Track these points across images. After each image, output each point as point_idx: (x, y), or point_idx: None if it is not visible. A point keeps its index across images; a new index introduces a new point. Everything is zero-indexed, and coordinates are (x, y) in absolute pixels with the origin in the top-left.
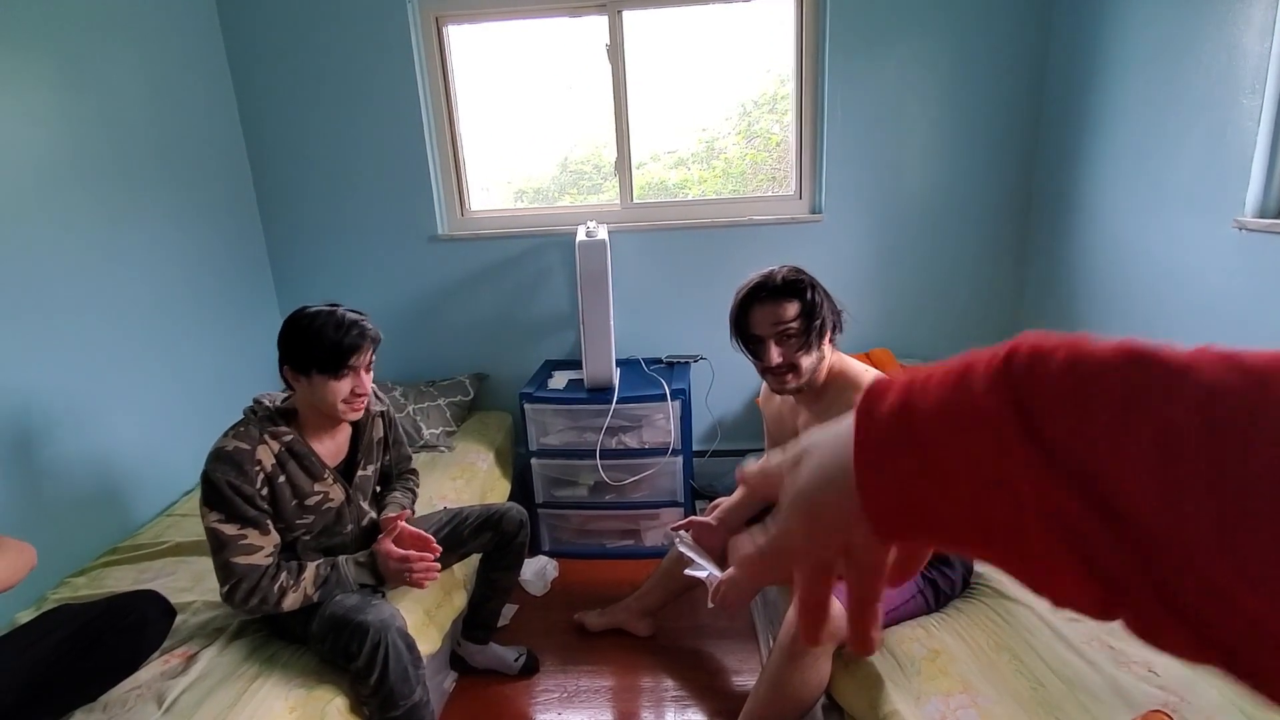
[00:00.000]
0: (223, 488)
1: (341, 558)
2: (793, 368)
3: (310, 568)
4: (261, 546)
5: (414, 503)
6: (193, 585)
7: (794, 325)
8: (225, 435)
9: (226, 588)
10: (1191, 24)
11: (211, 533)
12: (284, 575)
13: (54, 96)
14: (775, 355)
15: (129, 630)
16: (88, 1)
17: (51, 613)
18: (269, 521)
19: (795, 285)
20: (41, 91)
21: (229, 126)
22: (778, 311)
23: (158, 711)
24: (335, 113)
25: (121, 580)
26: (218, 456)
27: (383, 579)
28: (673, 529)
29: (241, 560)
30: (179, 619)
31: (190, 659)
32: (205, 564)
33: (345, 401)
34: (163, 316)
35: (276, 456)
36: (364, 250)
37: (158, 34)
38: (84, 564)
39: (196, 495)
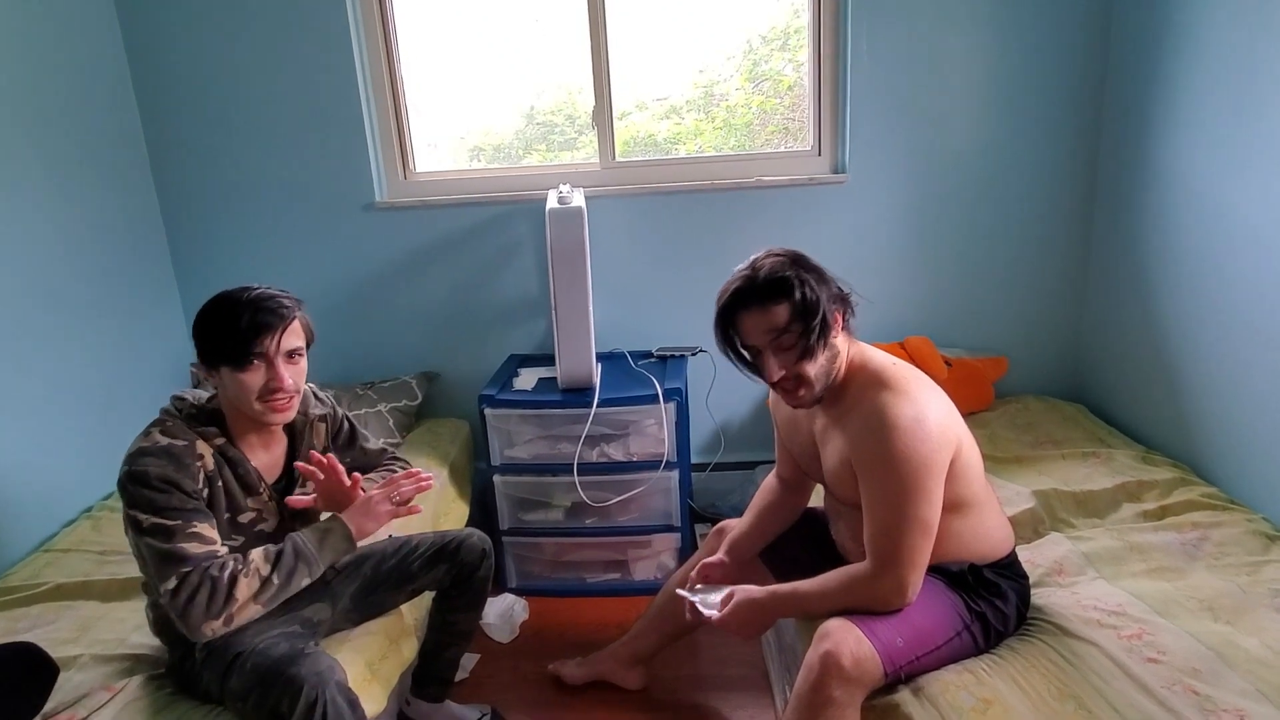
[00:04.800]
0: (156, 481)
1: (292, 533)
2: (800, 379)
3: (256, 550)
4: (213, 539)
5: None
6: (78, 635)
7: (789, 332)
8: (147, 433)
9: (175, 582)
10: None
11: (149, 529)
12: (232, 562)
13: None
14: (775, 369)
15: (1, 692)
16: None
17: None
18: (212, 521)
19: (781, 283)
20: None
21: (114, 76)
22: (767, 318)
23: None
24: (247, 54)
25: None
26: (146, 452)
27: (354, 543)
28: (679, 592)
29: (193, 548)
30: (62, 676)
31: None
32: (93, 610)
33: (261, 400)
34: (31, 309)
35: (214, 457)
36: (285, 223)
37: None
38: None
39: (82, 526)
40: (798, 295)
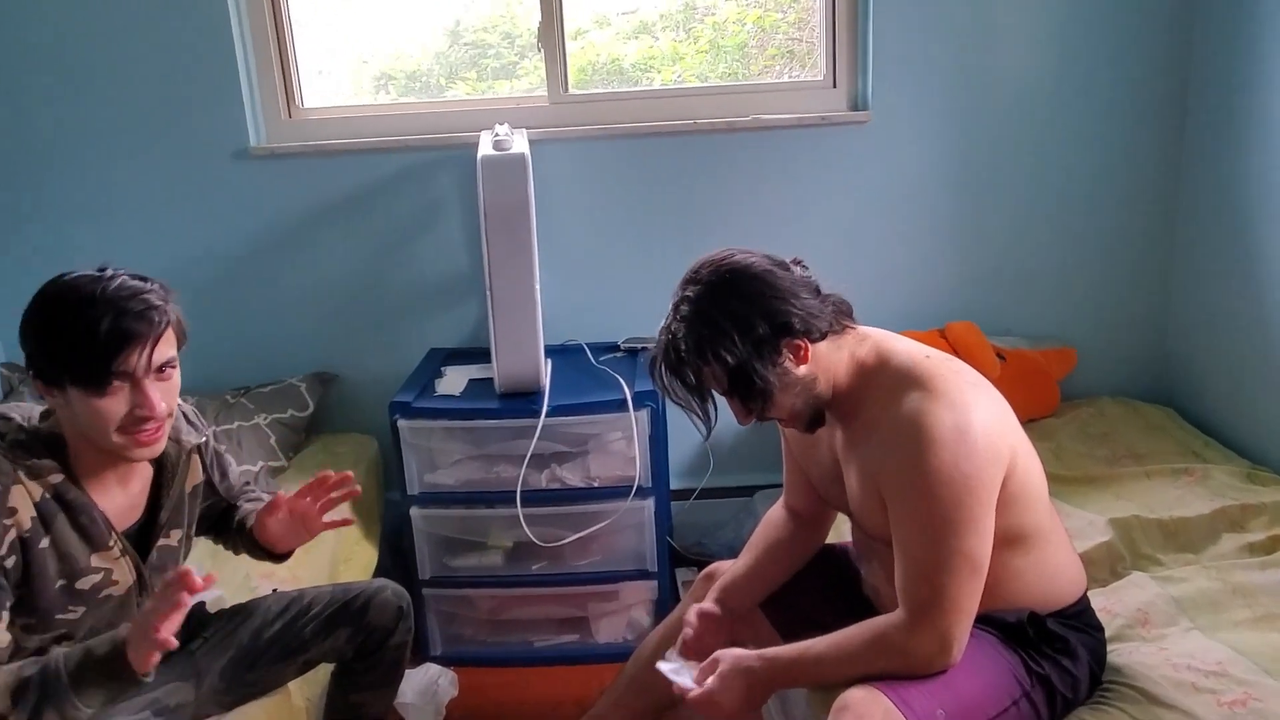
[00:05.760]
0: None
1: (58, 650)
2: (779, 421)
3: (3, 671)
4: None
5: None
6: None
7: (730, 395)
8: None
9: None
10: None
11: None
12: None
13: None
14: (741, 415)
15: None
16: None
17: None
18: (5, 605)
19: (679, 373)
20: None
21: None
22: (700, 392)
23: None
24: None
25: None
26: None
27: (133, 675)
28: (659, 667)
29: None
30: None
31: None
32: None
33: (123, 430)
34: None
35: (39, 507)
36: (128, 176)
37: None
38: None
39: None
40: (690, 379)
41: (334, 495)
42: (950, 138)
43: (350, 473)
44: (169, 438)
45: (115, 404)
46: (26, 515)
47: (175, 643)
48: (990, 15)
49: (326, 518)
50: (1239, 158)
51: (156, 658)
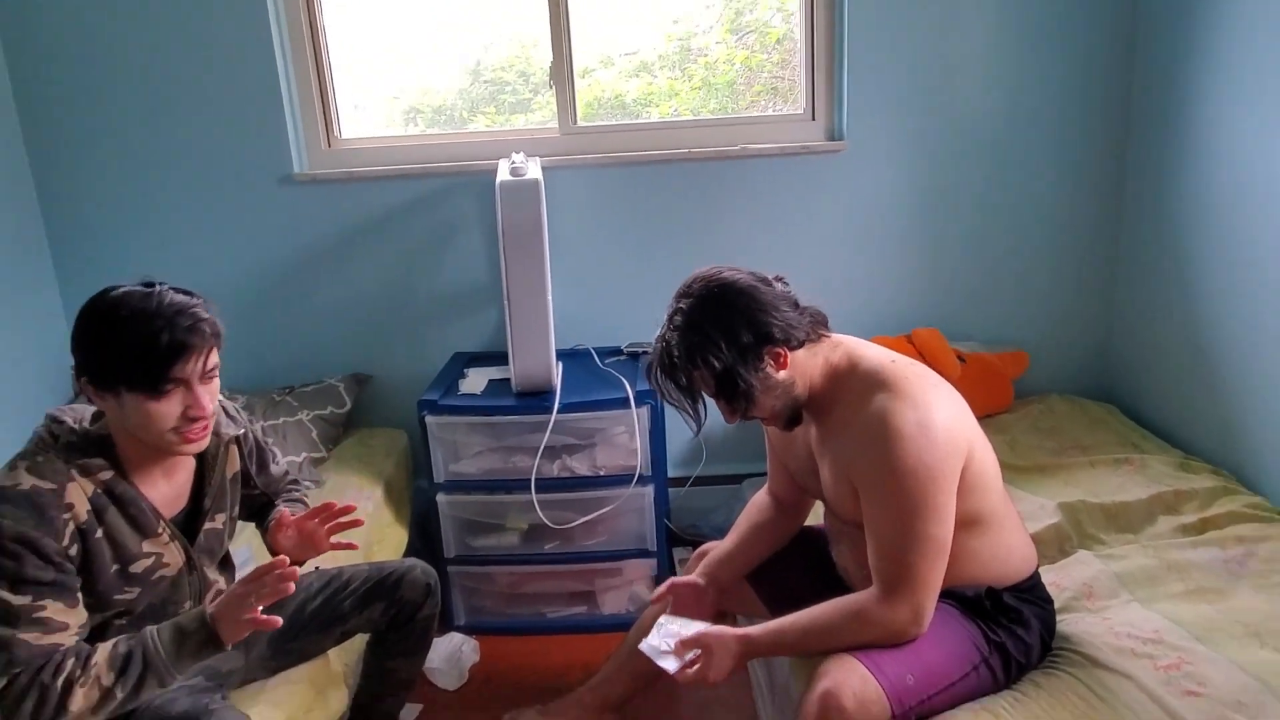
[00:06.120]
0: (10, 543)
1: (150, 628)
2: (761, 419)
3: (102, 648)
4: (64, 624)
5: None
6: None
7: (718, 397)
8: (12, 468)
9: (2, 681)
10: None
11: None
12: (70, 663)
13: None
14: (727, 415)
15: None
16: None
17: None
18: (76, 589)
19: (673, 377)
20: None
21: None
22: (691, 394)
23: None
24: (133, 5)
25: None
26: (5, 498)
27: (221, 644)
28: (654, 600)
29: (32, 639)
30: None
31: None
32: None
33: (175, 430)
34: None
35: (92, 501)
36: (186, 201)
37: None
38: None
39: None
40: (682, 382)
41: (341, 521)
42: (916, 164)
43: (354, 504)
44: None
45: (170, 406)
46: (82, 509)
47: (279, 621)
48: (950, 56)
49: (336, 540)
50: (1175, 183)
51: (248, 632)
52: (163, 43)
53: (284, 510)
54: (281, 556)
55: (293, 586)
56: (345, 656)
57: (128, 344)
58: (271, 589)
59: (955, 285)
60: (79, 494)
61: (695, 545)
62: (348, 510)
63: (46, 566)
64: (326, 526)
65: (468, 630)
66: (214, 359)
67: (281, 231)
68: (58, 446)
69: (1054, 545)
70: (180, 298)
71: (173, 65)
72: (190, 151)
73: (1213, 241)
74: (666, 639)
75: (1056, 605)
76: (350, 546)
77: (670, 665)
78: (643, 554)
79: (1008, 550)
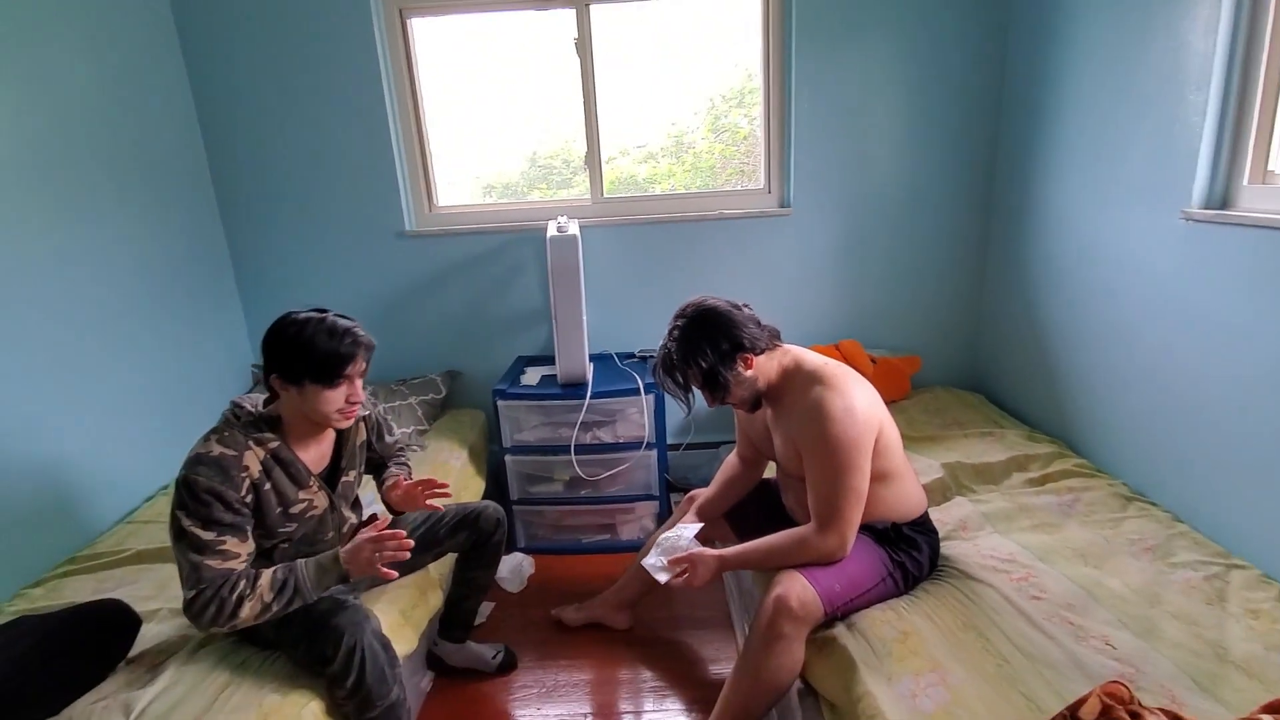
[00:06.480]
0: (203, 493)
1: (300, 560)
2: (733, 404)
3: (266, 574)
4: (238, 554)
5: (410, 475)
6: (156, 593)
7: (704, 389)
8: (206, 440)
9: (192, 593)
10: (1142, 22)
11: (186, 536)
12: (242, 583)
13: None
14: (711, 402)
15: (92, 640)
16: None
17: (9, 625)
18: (248, 528)
19: (672, 374)
20: None
21: (185, 120)
22: (684, 386)
23: None
24: (296, 106)
25: (80, 590)
26: (200, 461)
27: (347, 578)
28: (643, 564)
29: (215, 564)
30: (144, 627)
31: (157, 667)
32: (169, 571)
33: (340, 411)
34: (118, 317)
35: (263, 464)
36: (329, 247)
37: (109, 25)
38: (40, 575)
39: (158, 502)
40: (680, 379)
41: (435, 490)
42: (841, 223)
43: (448, 483)
44: None
45: (338, 395)
46: (255, 469)
47: (395, 575)
48: (865, 150)
49: (431, 503)
50: (1023, 238)
51: (369, 574)
52: (315, 133)
53: (400, 475)
54: (404, 535)
55: (408, 554)
56: (440, 568)
57: (315, 352)
58: (393, 553)
59: (868, 308)
60: (254, 459)
61: (686, 491)
62: (442, 485)
63: (228, 512)
64: (425, 492)
65: (526, 550)
66: (366, 364)
67: (397, 271)
68: (239, 424)
69: (939, 493)
70: (345, 321)
71: (323, 155)
72: (336, 215)
73: (1050, 276)
74: (660, 558)
75: (940, 535)
76: (436, 509)
77: (663, 578)
78: (649, 498)
79: (907, 496)
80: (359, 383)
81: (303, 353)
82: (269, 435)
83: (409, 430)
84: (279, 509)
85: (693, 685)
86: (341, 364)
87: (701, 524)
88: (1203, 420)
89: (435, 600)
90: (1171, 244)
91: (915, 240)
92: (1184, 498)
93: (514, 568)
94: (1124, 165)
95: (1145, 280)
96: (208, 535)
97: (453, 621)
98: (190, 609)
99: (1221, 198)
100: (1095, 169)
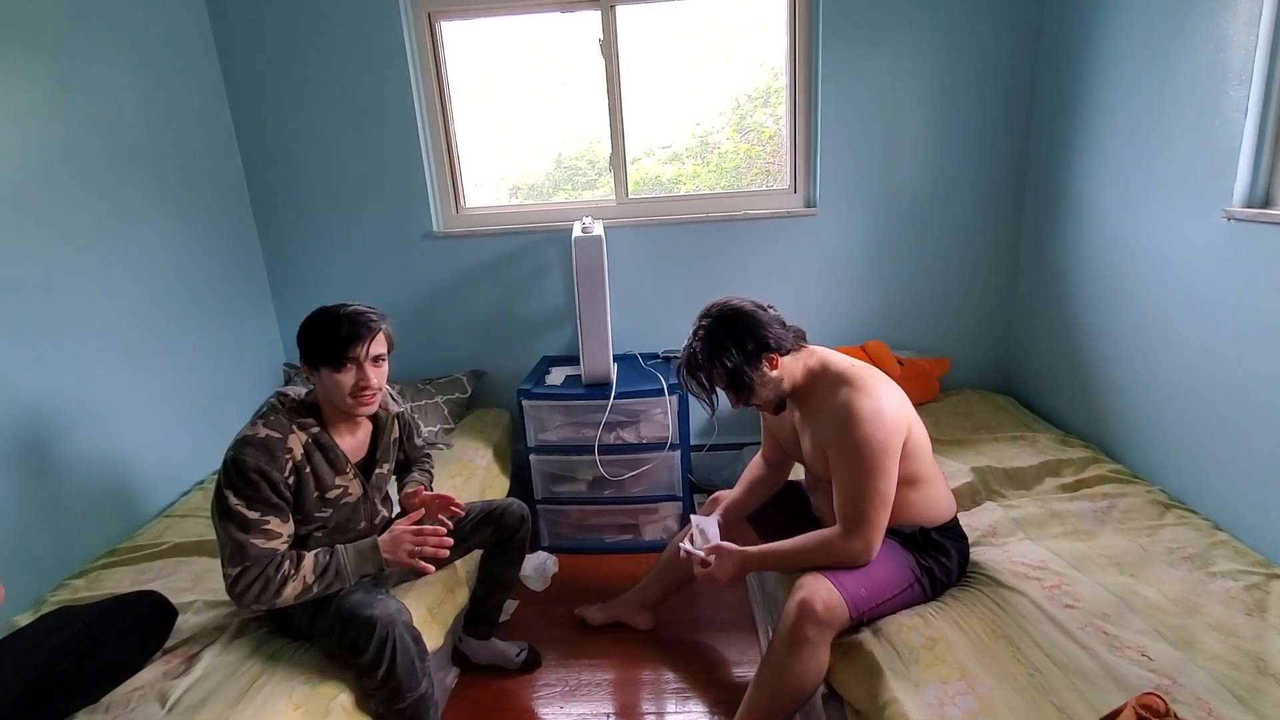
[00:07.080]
0: (251, 473)
1: (340, 546)
2: (758, 406)
3: (309, 556)
4: (280, 534)
5: (431, 482)
6: (193, 585)
7: (728, 389)
8: (253, 423)
9: (237, 570)
10: (1180, 16)
11: (233, 514)
12: (286, 564)
13: (43, 95)
14: (734, 402)
15: (130, 631)
16: (75, 0)
17: (51, 615)
18: (289, 511)
19: (695, 375)
20: (29, 90)
21: (221, 126)
22: (708, 387)
23: (161, 711)
24: (328, 111)
25: (121, 581)
26: (248, 442)
27: (383, 567)
28: (681, 546)
29: (260, 543)
30: (180, 619)
31: (192, 658)
32: (205, 564)
33: (352, 395)
34: (157, 317)
35: (304, 447)
36: (359, 248)
37: (147, 32)
38: (82, 566)
39: (195, 496)
40: (704, 381)
41: (452, 509)
42: (868, 223)
43: (461, 503)
44: (380, 407)
45: (347, 378)
46: (298, 452)
47: (432, 569)
48: (892, 148)
49: (442, 518)
50: (1057, 236)
51: (405, 566)
52: (342, 136)
53: (421, 485)
54: (444, 533)
55: (446, 553)
56: (466, 565)
57: (323, 335)
58: (433, 550)
59: (896, 309)
60: (296, 442)
61: (709, 493)
62: (458, 505)
63: (273, 492)
64: (440, 511)
65: (550, 549)
66: (378, 348)
67: (424, 272)
68: (284, 410)
69: (968, 497)
70: (360, 308)
71: (353, 158)
72: (365, 217)
73: (1085, 276)
74: (699, 545)
75: (970, 541)
76: (445, 525)
77: (690, 548)
78: (672, 499)
79: (935, 501)
80: (369, 368)
81: (313, 336)
82: (310, 420)
83: (435, 429)
84: (316, 493)
85: (715, 688)
86: (344, 345)
87: (721, 520)
88: (1245, 425)
89: (462, 597)
90: (1212, 243)
91: (944, 240)
92: (1225, 505)
93: (538, 566)
94: (1162, 163)
95: (1185, 280)
96: (253, 514)
97: (477, 617)
98: (235, 586)
99: (1264, 196)
100: (1132, 167)
